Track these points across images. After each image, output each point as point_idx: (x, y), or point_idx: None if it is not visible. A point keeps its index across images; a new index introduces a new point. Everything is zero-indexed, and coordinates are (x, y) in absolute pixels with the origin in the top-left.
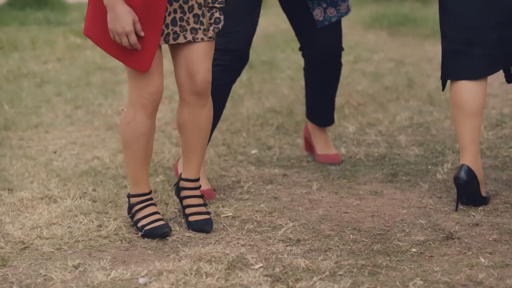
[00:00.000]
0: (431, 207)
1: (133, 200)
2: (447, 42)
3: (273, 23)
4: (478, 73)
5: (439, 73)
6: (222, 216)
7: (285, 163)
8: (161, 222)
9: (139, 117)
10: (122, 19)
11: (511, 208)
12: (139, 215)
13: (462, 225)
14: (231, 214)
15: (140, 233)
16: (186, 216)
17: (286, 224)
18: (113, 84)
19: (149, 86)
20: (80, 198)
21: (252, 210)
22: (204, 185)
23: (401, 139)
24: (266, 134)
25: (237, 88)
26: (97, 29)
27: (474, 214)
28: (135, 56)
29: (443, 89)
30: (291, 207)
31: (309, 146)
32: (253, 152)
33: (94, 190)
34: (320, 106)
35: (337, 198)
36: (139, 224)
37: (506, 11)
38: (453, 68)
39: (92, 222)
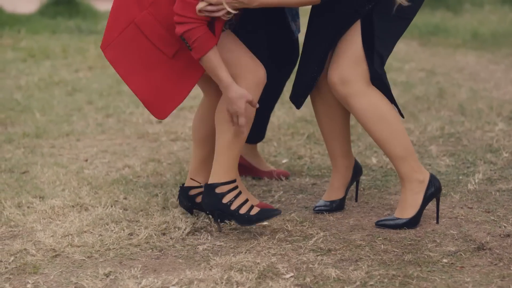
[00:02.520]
0: (462, 217)
1: (225, 187)
2: None
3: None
4: None
5: (470, 83)
6: (257, 224)
7: (316, 173)
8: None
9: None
10: (235, 103)
11: None
12: (238, 202)
13: (494, 236)
14: (267, 223)
15: (235, 224)
16: None
17: (317, 233)
18: None
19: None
20: (111, 206)
21: (283, 219)
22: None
23: (432, 149)
24: (296, 143)
25: None
26: (128, 65)
27: (505, 225)
28: (158, 104)
29: None
30: (322, 216)
31: (245, 169)
32: (284, 161)
33: (125, 198)
34: (258, 121)
35: (368, 208)
36: (242, 211)
37: None
38: None
39: (123, 230)
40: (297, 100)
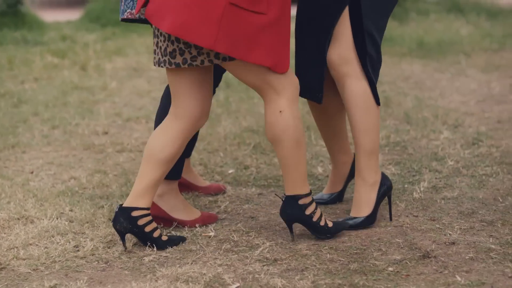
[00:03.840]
0: (408, 226)
1: (307, 199)
2: None
3: None
4: None
5: (416, 92)
6: (203, 235)
7: (262, 183)
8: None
9: (298, 111)
10: None
11: (487, 226)
12: (318, 213)
13: (439, 244)
14: (212, 233)
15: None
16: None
17: (263, 243)
18: (90, 104)
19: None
20: (57, 219)
21: (229, 230)
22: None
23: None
24: (243, 153)
25: (214, 107)
26: (241, 45)
27: (450, 232)
28: (280, 61)
29: None
30: (268, 226)
31: (181, 186)
32: (230, 171)
33: (71, 210)
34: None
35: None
36: (322, 223)
37: None
38: None
39: (69, 242)
40: (316, 96)
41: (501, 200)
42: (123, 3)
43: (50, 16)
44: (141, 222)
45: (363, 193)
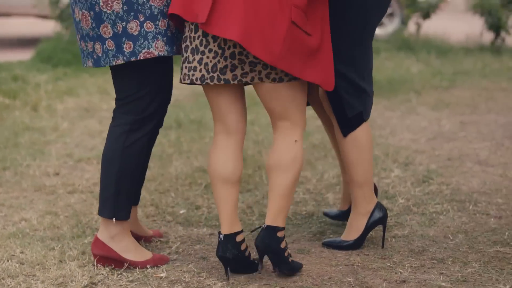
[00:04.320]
0: (359, 264)
1: (283, 233)
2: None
3: None
4: None
5: None
6: (154, 276)
7: (214, 223)
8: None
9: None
10: None
11: (437, 264)
12: (288, 249)
13: (390, 282)
14: (164, 274)
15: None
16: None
17: (214, 284)
18: (42, 145)
19: None
20: (8, 261)
21: (181, 270)
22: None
23: (329, 197)
24: (194, 193)
25: (166, 147)
26: (299, 63)
27: (401, 271)
28: (328, 79)
29: None
30: (220, 267)
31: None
32: (181, 212)
33: (21, 252)
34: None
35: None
36: (290, 260)
37: None
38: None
39: (20, 285)
40: None
41: (451, 237)
42: (126, 45)
43: (1, 56)
44: (243, 246)
45: (354, 220)
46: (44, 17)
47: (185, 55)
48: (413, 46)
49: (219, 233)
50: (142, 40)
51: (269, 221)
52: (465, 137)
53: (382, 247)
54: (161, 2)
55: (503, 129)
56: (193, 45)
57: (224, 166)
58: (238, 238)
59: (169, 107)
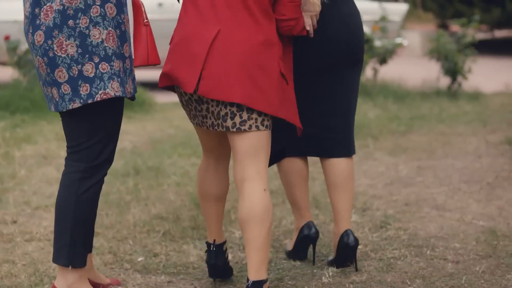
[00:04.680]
0: None
1: (267, 285)
2: None
3: (159, 128)
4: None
5: (323, 176)
6: None
7: (172, 270)
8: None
9: None
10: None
11: None
12: None
13: None
14: None
15: None
16: None
17: None
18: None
19: None
20: None
21: None
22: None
23: (287, 243)
24: (152, 241)
25: (124, 194)
26: (290, 110)
27: None
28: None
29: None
30: None
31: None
32: (139, 259)
33: None
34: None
35: None
36: None
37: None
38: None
39: None
40: None
41: (409, 283)
42: (83, 88)
43: None
44: (226, 254)
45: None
46: (2, 63)
47: (193, 105)
48: (371, 91)
49: (210, 244)
50: (98, 82)
51: (253, 276)
52: (422, 182)
53: (313, 263)
54: (114, 43)
55: (460, 173)
56: (195, 97)
57: (217, 186)
58: (224, 247)
59: (127, 154)
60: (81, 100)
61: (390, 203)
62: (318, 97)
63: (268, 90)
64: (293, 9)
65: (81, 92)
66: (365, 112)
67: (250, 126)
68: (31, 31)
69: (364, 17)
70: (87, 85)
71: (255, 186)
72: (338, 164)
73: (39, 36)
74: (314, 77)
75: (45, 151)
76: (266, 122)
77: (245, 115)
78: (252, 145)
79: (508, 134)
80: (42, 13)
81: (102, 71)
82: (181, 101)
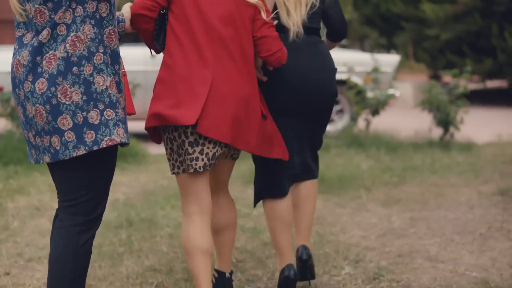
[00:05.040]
0: None
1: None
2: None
3: (152, 179)
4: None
5: (317, 227)
6: None
7: None
8: None
9: None
10: None
11: None
12: None
13: None
14: None
15: None
16: None
17: None
18: None
19: None
20: None
21: None
22: None
23: None
24: None
25: (117, 246)
26: (271, 146)
27: None
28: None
29: (254, 206)
30: None
31: None
32: None
33: None
34: None
35: None
36: None
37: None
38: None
39: None
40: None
41: None
42: (88, 135)
43: None
44: None
45: None
46: None
47: (184, 148)
48: (363, 142)
49: None
50: (104, 128)
51: (228, 269)
52: (415, 233)
53: None
54: (116, 90)
55: (453, 224)
56: (191, 139)
57: (203, 240)
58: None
59: (120, 206)
60: (86, 147)
61: (383, 255)
62: (294, 137)
63: (249, 132)
64: (275, 41)
65: (86, 139)
66: (358, 163)
67: (226, 156)
68: (30, 79)
69: (357, 69)
70: (92, 132)
71: (227, 198)
72: (303, 186)
73: (41, 84)
74: (289, 118)
75: (38, 203)
76: (237, 155)
77: (232, 151)
78: (227, 171)
79: (501, 185)
80: (44, 61)
81: (107, 118)
82: (170, 148)
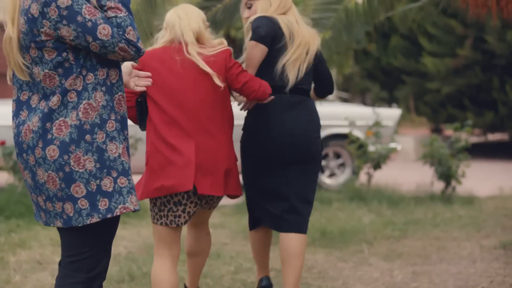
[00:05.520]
0: None
1: None
2: None
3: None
4: None
5: (319, 282)
6: None
7: None
8: None
9: None
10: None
11: None
12: None
13: None
14: None
15: None
16: None
17: None
18: None
19: None
20: None
21: None
22: None
23: None
24: None
25: None
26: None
27: None
28: None
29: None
30: None
31: None
32: None
33: None
34: None
35: None
36: None
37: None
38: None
39: None
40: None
41: None
42: (102, 202)
43: None
44: None
45: None
46: None
47: (168, 206)
48: (365, 196)
49: None
50: (117, 196)
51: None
52: (417, 287)
53: None
54: (128, 158)
55: (455, 278)
56: (176, 200)
57: (170, 277)
58: None
59: (122, 260)
60: (100, 215)
61: None
62: (283, 184)
63: (234, 179)
64: (253, 81)
65: (99, 207)
66: (360, 217)
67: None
68: (40, 146)
69: (358, 123)
70: (106, 199)
71: (204, 231)
72: (291, 239)
73: (53, 151)
74: (280, 169)
75: (39, 257)
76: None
77: (212, 204)
78: (208, 215)
79: (503, 238)
80: (54, 128)
81: (120, 185)
82: (154, 202)
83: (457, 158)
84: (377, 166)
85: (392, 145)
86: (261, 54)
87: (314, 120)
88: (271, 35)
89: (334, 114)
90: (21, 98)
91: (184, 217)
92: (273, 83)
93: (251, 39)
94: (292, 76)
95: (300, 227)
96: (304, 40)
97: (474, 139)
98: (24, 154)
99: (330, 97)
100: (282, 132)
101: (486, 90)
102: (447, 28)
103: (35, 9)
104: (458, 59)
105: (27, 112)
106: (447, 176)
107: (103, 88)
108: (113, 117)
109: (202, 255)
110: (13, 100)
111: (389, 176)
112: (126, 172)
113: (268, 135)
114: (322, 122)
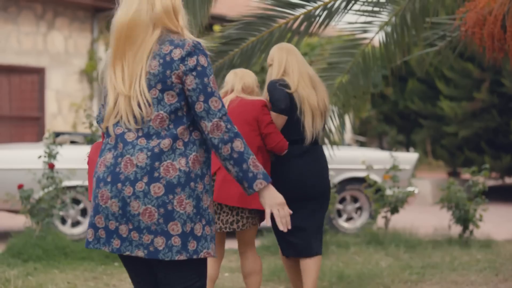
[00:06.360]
0: None
1: None
2: None
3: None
4: None
5: None
6: None
7: None
8: None
9: None
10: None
11: None
12: None
13: None
14: None
15: None
16: None
17: None
18: None
19: None
20: None
21: None
22: None
23: None
24: None
25: None
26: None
27: None
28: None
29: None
30: None
31: None
32: None
33: None
34: None
35: None
36: None
37: None
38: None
39: None
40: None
41: None
42: (191, 244)
43: None
44: None
45: None
46: (15, 211)
47: None
48: (382, 240)
49: None
50: (204, 241)
51: None
52: None
53: None
54: (213, 212)
55: None
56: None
57: (211, 274)
58: None
59: None
60: (188, 254)
61: None
62: (299, 217)
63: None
64: (276, 135)
65: (189, 247)
66: (377, 261)
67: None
68: (145, 181)
69: (375, 166)
70: (195, 242)
71: (254, 253)
72: (310, 263)
73: (158, 188)
74: (297, 203)
75: None
76: (255, 221)
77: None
78: (248, 236)
79: None
80: (162, 168)
81: (206, 233)
82: None
83: (475, 201)
84: (394, 210)
85: (410, 189)
86: (283, 121)
87: (325, 163)
88: (288, 106)
89: (352, 158)
90: (115, 132)
91: (218, 224)
92: (292, 138)
93: (273, 110)
94: (309, 135)
95: (314, 251)
96: (313, 106)
97: (491, 182)
98: (119, 184)
99: (347, 141)
100: (299, 174)
101: (503, 133)
102: (464, 71)
103: (177, 54)
104: (475, 103)
105: (122, 144)
106: (464, 219)
107: (204, 146)
108: (207, 173)
109: (254, 275)
110: (103, 133)
111: (406, 219)
112: (210, 223)
113: (287, 176)
114: (339, 166)
